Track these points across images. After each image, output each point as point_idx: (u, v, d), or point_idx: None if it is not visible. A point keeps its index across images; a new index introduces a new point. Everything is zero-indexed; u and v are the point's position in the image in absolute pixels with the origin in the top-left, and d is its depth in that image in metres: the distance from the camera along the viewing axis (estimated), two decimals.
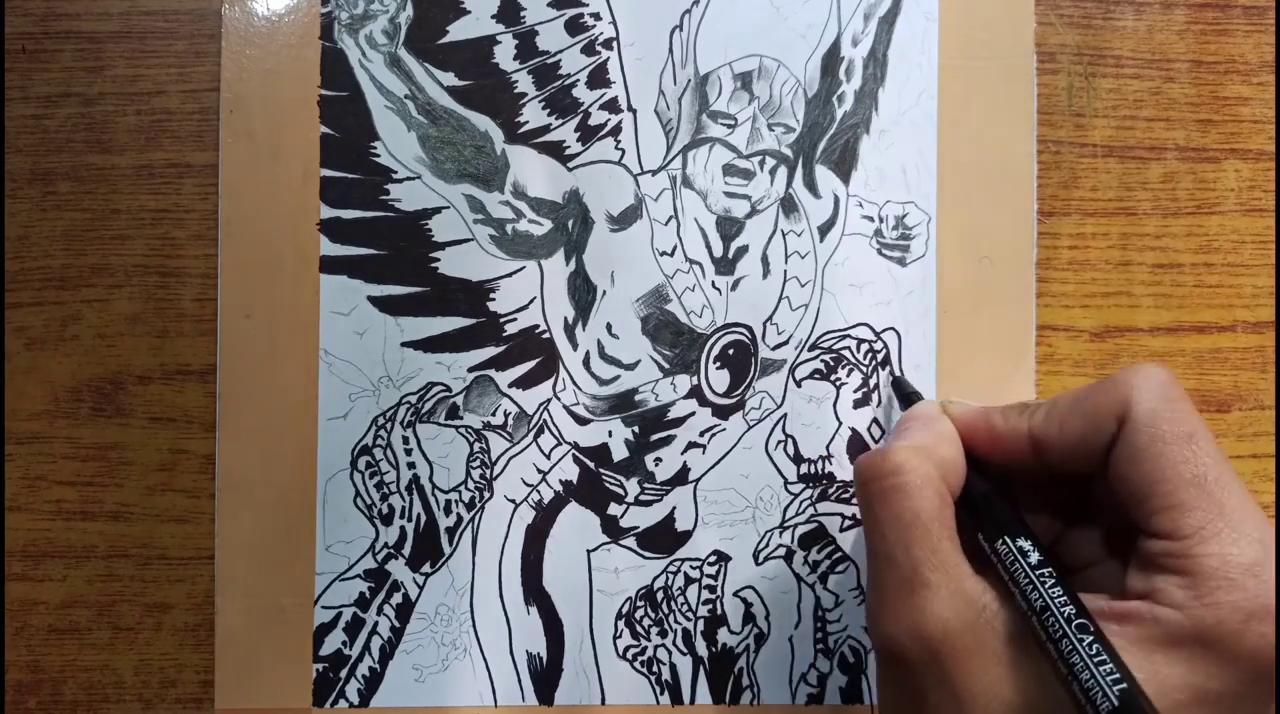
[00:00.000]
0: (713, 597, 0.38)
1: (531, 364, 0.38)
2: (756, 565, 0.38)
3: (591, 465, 0.38)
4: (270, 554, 0.37)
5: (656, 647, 0.38)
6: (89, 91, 0.38)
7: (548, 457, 0.38)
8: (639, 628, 0.38)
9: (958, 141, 0.39)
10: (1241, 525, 0.27)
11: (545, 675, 0.38)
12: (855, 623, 0.38)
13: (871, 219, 0.39)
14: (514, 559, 0.38)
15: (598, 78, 0.38)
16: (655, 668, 0.38)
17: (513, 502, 0.38)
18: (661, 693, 0.38)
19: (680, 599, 0.38)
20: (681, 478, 0.38)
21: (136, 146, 0.38)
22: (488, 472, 0.38)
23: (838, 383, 0.39)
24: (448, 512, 0.38)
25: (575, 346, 0.38)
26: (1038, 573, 0.28)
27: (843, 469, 0.39)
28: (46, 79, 0.38)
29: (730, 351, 0.38)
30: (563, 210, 0.38)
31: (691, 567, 0.38)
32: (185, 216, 0.38)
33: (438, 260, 0.38)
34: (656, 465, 0.38)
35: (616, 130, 0.38)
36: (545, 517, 0.38)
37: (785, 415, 0.38)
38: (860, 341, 0.39)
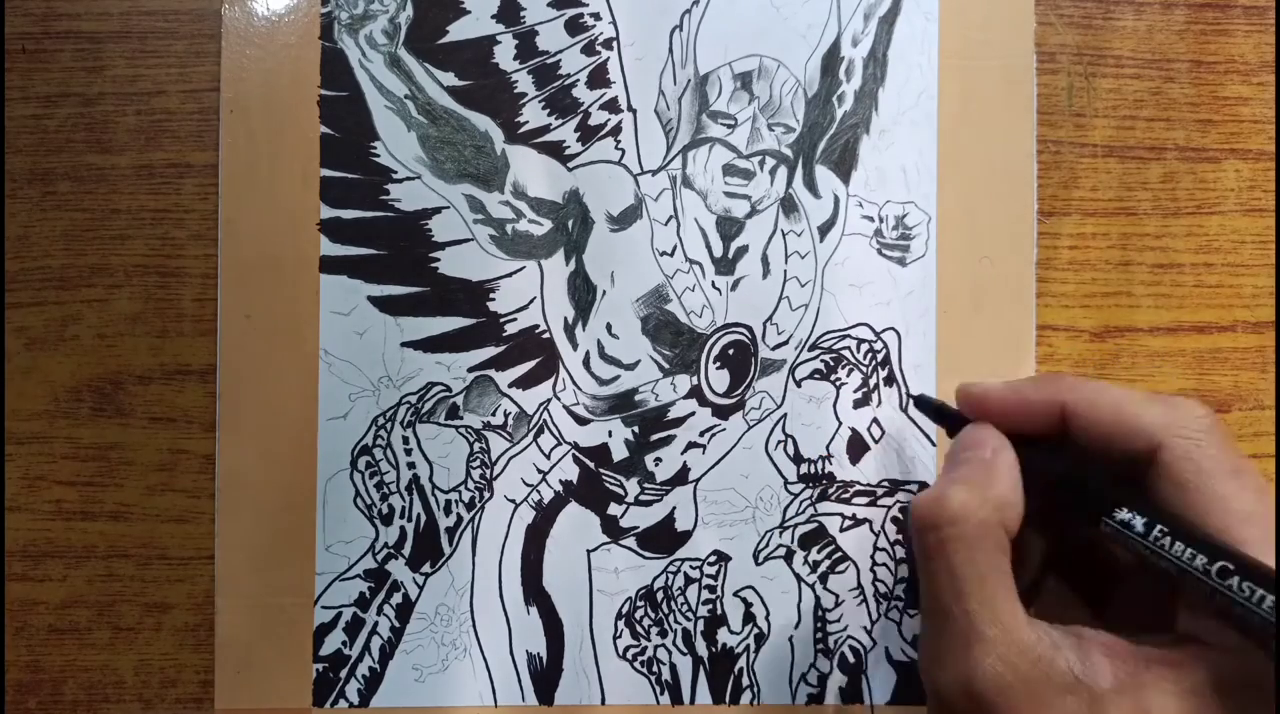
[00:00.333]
0: (713, 597, 0.38)
1: (531, 364, 0.38)
2: (756, 565, 0.38)
3: (591, 465, 0.38)
4: (270, 554, 0.37)
5: (656, 647, 0.38)
6: (89, 91, 0.38)
7: (548, 457, 0.38)
8: (639, 628, 0.38)
9: (958, 141, 0.39)
10: None
11: (545, 675, 0.38)
12: (855, 623, 0.38)
13: (871, 219, 0.39)
14: (514, 559, 0.38)
15: (598, 78, 0.38)
16: (655, 668, 0.38)
17: (513, 502, 0.38)
18: (661, 693, 0.38)
19: (680, 599, 0.38)
20: (681, 478, 0.38)
21: (136, 146, 0.38)
22: (488, 472, 0.38)
23: (838, 383, 0.39)
24: (448, 512, 0.38)
25: (575, 346, 0.38)
26: (1153, 540, 0.27)
27: (843, 469, 0.39)
28: (46, 79, 0.38)
29: (730, 352, 0.38)
30: (563, 210, 0.38)
31: (691, 567, 0.38)
32: (185, 216, 0.38)
33: (438, 260, 0.38)
34: (656, 465, 0.38)
35: (616, 130, 0.38)
36: (545, 517, 0.38)
37: (785, 415, 0.38)
38: (860, 342, 0.39)
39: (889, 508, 0.39)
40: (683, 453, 0.38)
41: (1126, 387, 0.31)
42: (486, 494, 0.38)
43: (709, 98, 0.38)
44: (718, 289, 0.38)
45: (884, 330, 0.39)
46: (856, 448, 0.39)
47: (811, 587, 0.38)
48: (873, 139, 0.39)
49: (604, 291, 0.38)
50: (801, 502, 0.38)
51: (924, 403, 0.36)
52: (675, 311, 0.38)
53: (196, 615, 0.37)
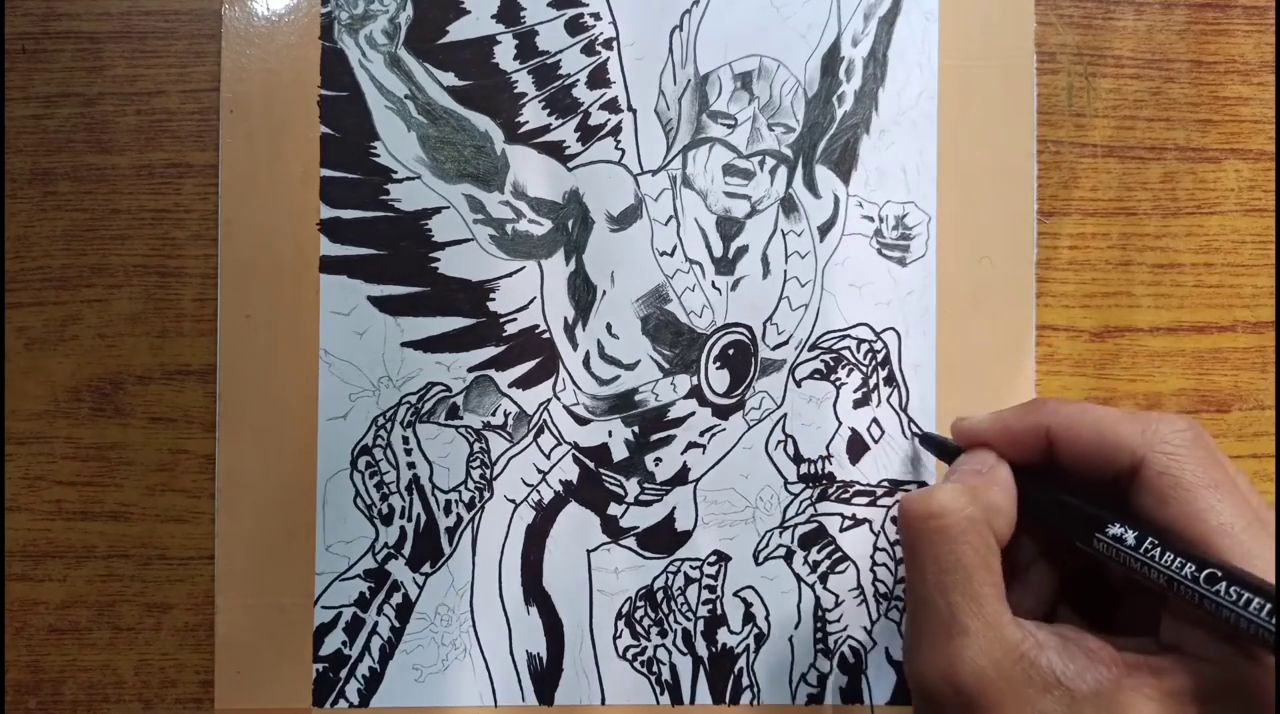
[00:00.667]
0: (713, 597, 0.38)
1: (531, 364, 0.38)
2: (756, 565, 0.38)
3: (591, 465, 0.38)
4: (270, 554, 0.37)
5: (656, 647, 0.38)
6: (89, 91, 0.38)
7: (548, 457, 0.38)
8: (639, 628, 0.38)
9: (958, 141, 0.39)
10: (1273, 576, 0.26)
11: (545, 675, 0.38)
12: (855, 623, 0.38)
13: (871, 219, 0.39)
14: (514, 559, 0.38)
15: (598, 78, 0.38)
16: (655, 668, 0.38)
17: (513, 502, 0.38)
18: (661, 693, 0.38)
19: (680, 599, 0.38)
20: (681, 478, 0.38)
21: (136, 146, 0.38)
22: (488, 472, 0.38)
23: (838, 383, 0.39)
24: (448, 512, 0.38)
25: (575, 346, 0.38)
26: (1144, 551, 0.28)
27: (843, 469, 0.39)
28: (46, 79, 0.38)
29: (730, 352, 0.38)
30: (563, 210, 0.38)
31: (691, 567, 0.38)
32: (185, 216, 0.38)
33: (438, 260, 0.38)
34: (656, 465, 0.38)
35: (616, 130, 0.38)
36: (545, 517, 0.38)
37: (785, 415, 0.38)
38: (860, 342, 0.39)
39: (889, 508, 0.39)
40: (683, 453, 0.38)
41: (1108, 405, 0.32)
42: (486, 494, 0.38)
43: (709, 98, 0.38)
44: (718, 289, 0.38)
45: (884, 330, 0.39)
46: (856, 448, 0.39)
47: (811, 587, 0.38)
48: (873, 139, 0.39)
49: (604, 291, 0.38)
50: (801, 502, 0.38)
51: (928, 440, 0.38)
52: (675, 311, 0.38)
53: (196, 615, 0.37)
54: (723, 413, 0.38)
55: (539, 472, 0.38)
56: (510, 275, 0.38)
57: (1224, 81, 0.40)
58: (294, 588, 0.37)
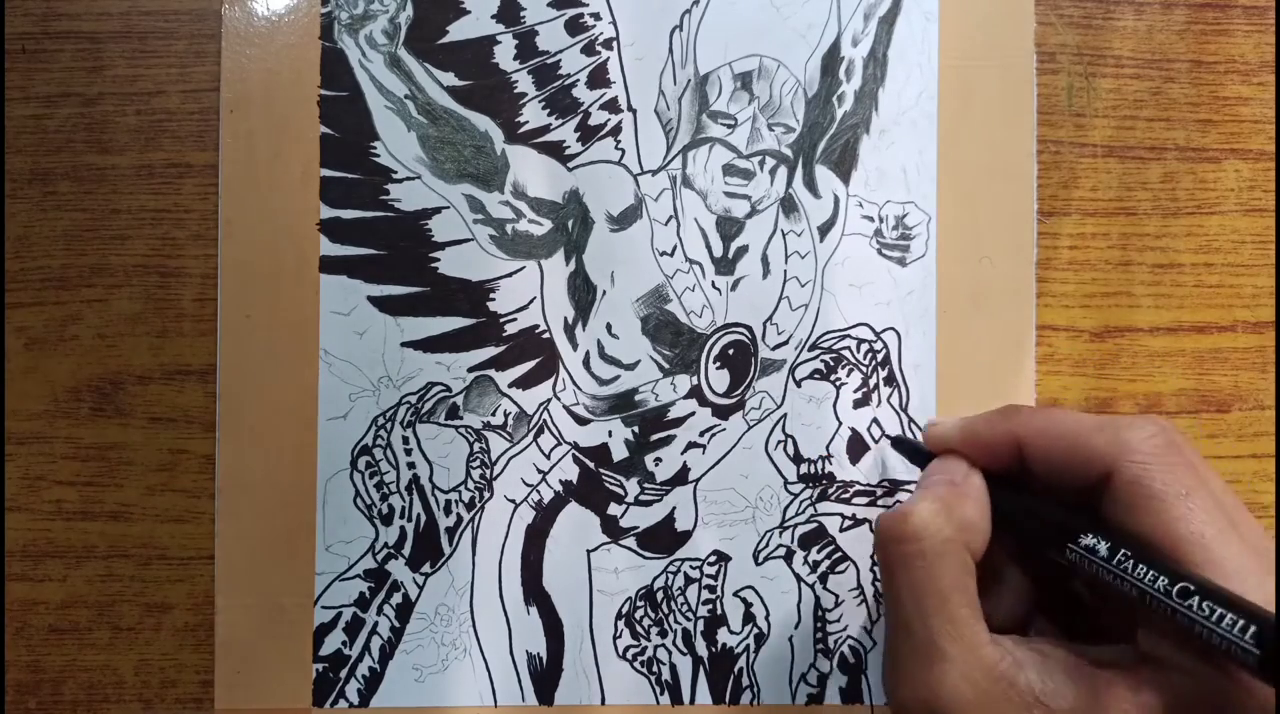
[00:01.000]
0: (713, 597, 0.38)
1: (531, 364, 0.38)
2: (756, 565, 0.38)
3: (591, 465, 0.38)
4: (270, 554, 0.37)
5: (656, 647, 0.38)
6: (89, 91, 0.38)
7: (548, 457, 0.38)
8: (639, 628, 0.38)
9: (958, 141, 0.39)
10: (1245, 583, 0.26)
11: (545, 675, 0.38)
12: (855, 623, 0.38)
13: (871, 219, 0.39)
14: (514, 559, 0.38)
15: (598, 78, 0.38)
16: (655, 668, 0.38)
17: (513, 502, 0.38)
18: (661, 693, 0.38)
19: (680, 599, 0.38)
20: (681, 478, 0.38)
21: (136, 146, 0.38)
22: (488, 472, 0.38)
23: (838, 383, 0.39)
24: (448, 512, 0.38)
25: (575, 346, 0.38)
26: (1116, 564, 0.28)
27: (842, 469, 0.39)
28: (46, 79, 0.38)
29: (730, 352, 0.38)
30: (563, 210, 0.38)
31: (691, 567, 0.38)
32: (185, 216, 0.38)
33: (438, 260, 0.38)
34: (656, 465, 0.38)
35: (616, 130, 0.38)
36: (545, 517, 0.38)
37: (785, 415, 0.38)
38: (860, 341, 0.39)
39: (889, 508, 0.39)
40: (683, 453, 0.38)
41: (1077, 413, 0.31)
42: (486, 494, 0.38)
43: (709, 98, 0.38)
44: (718, 289, 0.38)
45: (884, 330, 0.39)
46: (856, 448, 0.39)
47: (811, 587, 0.38)
48: (873, 139, 0.39)
49: (604, 291, 0.38)
50: (801, 502, 0.38)
51: (899, 443, 0.37)
52: (675, 311, 0.38)
53: (196, 615, 0.37)
54: (723, 413, 0.38)
55: (539, 472, 0.38)
56: (510, 275, 0.38)
57: (1224, 81, 0.40)
58: (294, 588, 0.37)
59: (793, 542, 0.38)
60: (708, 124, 0.38)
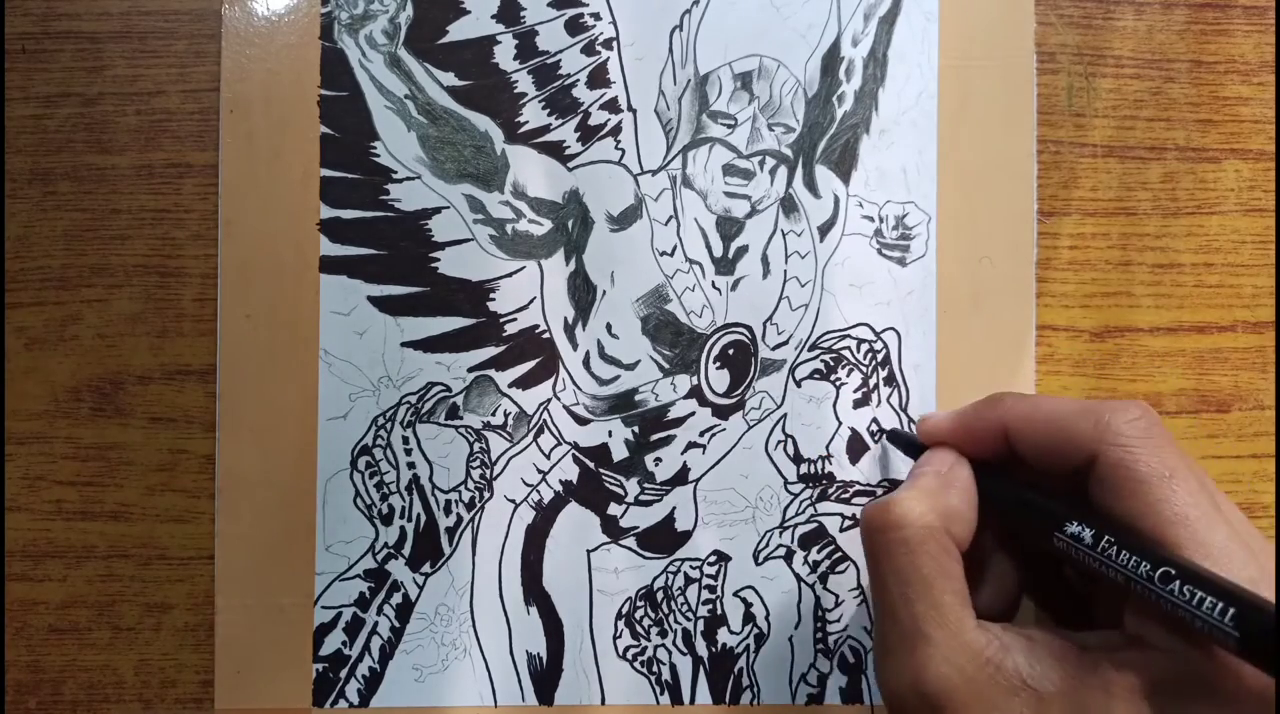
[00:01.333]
0: (713, 597, 0.38)
1: (531, 364, 0.38)
2: (756, 565, 0.38)
3: (591, 465, 0.38)
4: (270, 554, 0.37)
5: (656, 647, 0.38)
6: (89, 91, 0.38)
7: (548, 457, 0.38)
8: (639, 628, 0.38)
9: (958, 141, 0.39)
10: (1230, 563, 0.27)
11: (545, 675, 0.38)
12: (855, 623, 0.38)
13: (871, 219, 0.39)
14: (514, 559, 0.38)
15: (598, 78, 0.38)
16: (655, 668, 0.38)
17: (513, 502, 0.38)
18: (661, 693, 0.38)
19: (680, 599, 0.38)
20: (681, 478, 0.38)
21: (136, 146, 0.38)
22: (488, 472, 0.38)
23: (838, 383, 0.39)
24: (448, 512, 0.38)
25: (575, 346, 0.38)
26: (1101, 550, 0.28)
27: (842, 469, 0.39)
28: (46, 79, 0.38)
29: (730, 352, 0.38)
30: (563, 210, 0.38)
31: (691, 567, 0.38)
32: (185, 216, 0.38)
33: (438, 260, 0.38)
34: (656, 465, 0.38)
35: (616, 130, 0.38)
36: (545, 517, 0.38)
37: (785, 415, 0.38)
38: (860, 342, 0.39)
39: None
40: (683, 453, 0.38)
41: (1061, 397, 0.31)
42: (486, 494, 0.38)
43: (709, 98, 0.38)
44: (718, 289, 0.38)
45: (884, 330, 0.39)
46: (856, 448, 0.39)
47: (811, 587, 0.38)
48: (873, 139, 0.39)
49: (604, 291, 0.38)
50: (801, 502, 0.38)
51: (897, 438, 0.37)
52: (675, 311, 0.38)
53: (196, 615, 0.37)
54: (723, 413, 0.38)
55: (539, 472, 0.38)
56: (510, 275, 0.38)
57: (1224, 81, 0.40)
58: (294, 588, 0.37)
59: (793, 542, 0.38)
60: (708, 124, 0.38)
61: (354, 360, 0.37)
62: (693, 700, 0.38)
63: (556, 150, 0.38)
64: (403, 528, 0.38)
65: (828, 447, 0.39)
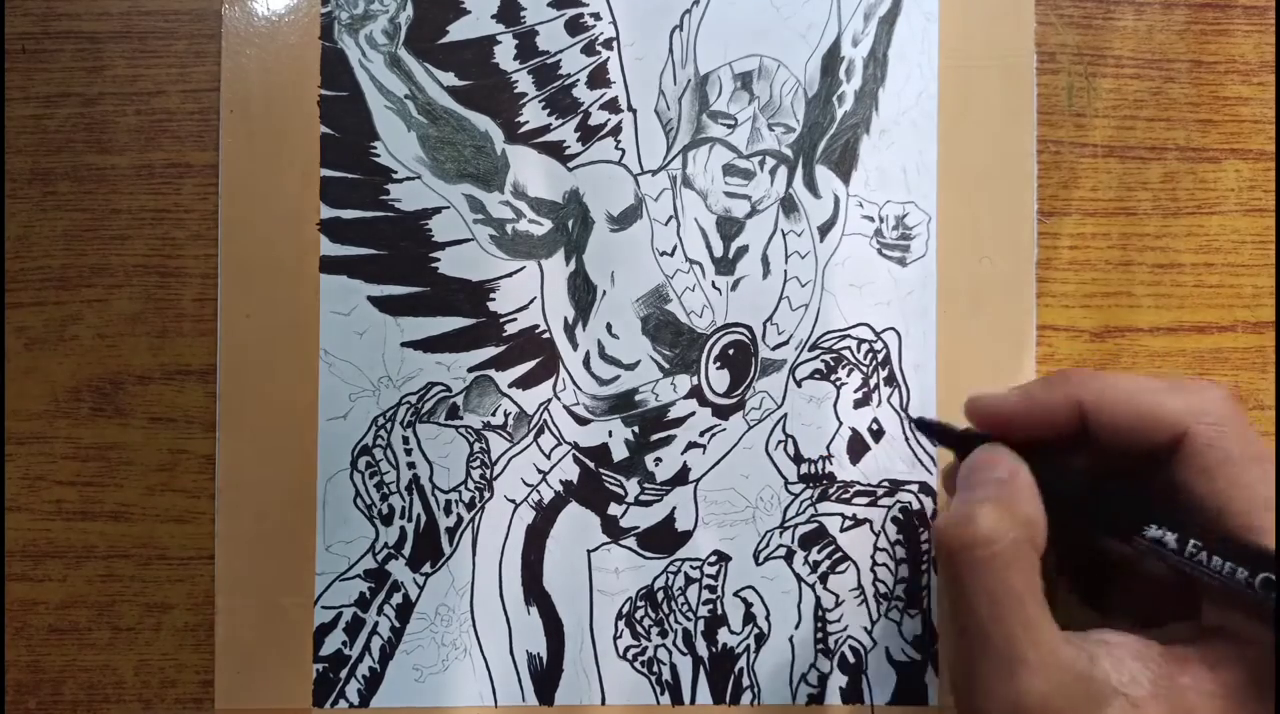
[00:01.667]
0: (713, 597, 0.38)
1: (531, 364, 0.38)
2: (756, 565, 0.38)
3: (591, 465, 0.38)
4: (270, 554, 0.37)
5: (657, 647, 0.38)
6: (89, 91, 0.38)
7: (548, 457, 0.38)
8: (639, 628, 0.38)
9: (958, 141, 0.39)
10: None
11: (545, 675, 0.38)
12: (855, 623, 0.38)
13: (871, 219, 0.39)
14: (514, 559, 0.38)
15: (598, 78, 0.38)
16: (655, 668, 0.38)
17: (513, 502, 0.38)
18: (661, 693, 0.38)
19: (680, 599, 0.38)
20: (681, 478, 0.38)
21: (136, 146, 0.38)
22: (488, 472, 0.38)
23: (838, 383, 0.39)
24: (448, 512, 0.38)
25: (575, 346, 0.38)
26: (1189, 555, 0.27)
27: (843, 469, 0.39)
28: (46, 79, 0.38)
29: (730, 352, 0.38)
30: (563, 210, 0.38)
31: (691, 567, 0.38)
32: (185, 216, 0.38)
33: (438, 260, 0.38)
34: (656, 465, 0.38)
35: (616, 130, 0.38)
36: (545, 517, 0.38)
37: (785, 415, 0.38)
38: (860, 341, 0.39)
39: (889, 508, 0.39)
40: (683, 453, 0.38)
41: (1136, 374, 0.30)
42: (486, 494, 0.38)
43: (709, 98, 0.38)
44: (718, 289, 0.38)
45: (884, 330, 0.39)
46: (856, 448, 0.39)
47: (811, 587, 0.38)
48: (873, 139, 0.39)
49: (604, 291, 0.38)
50: (801, 502, 0.38)
51: (925, 426, 0.35)
52: (675, 311, 0.38)
53: (196, 615, 0.37)
54: (723, 413, 0.38)
55: (539, 472, 0.38)
56: (510, 275, 0.38)
57: (1224, 81, 0.40)
58: (294, 588, 0.37)
59: (793, 542, 0.38)
60: (708, 124, 0.38)
61: (354, 360, 0.37)
62: (693, 700, 0.38)
63: (556, 150, 0.38)
64: (403, 528, 0.38)
65: (828, 447, 0.39)
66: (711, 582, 0.38)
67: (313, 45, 0.37)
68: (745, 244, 0.38)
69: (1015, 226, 0.39)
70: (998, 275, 0.39)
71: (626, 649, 0.38)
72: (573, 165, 0.38)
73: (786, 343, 0.38)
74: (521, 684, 0.38)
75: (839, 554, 0.39)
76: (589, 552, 0.38)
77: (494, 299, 0.38)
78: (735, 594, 0.38)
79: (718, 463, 0.38)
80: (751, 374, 0.38)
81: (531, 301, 0.38)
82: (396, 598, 0.37)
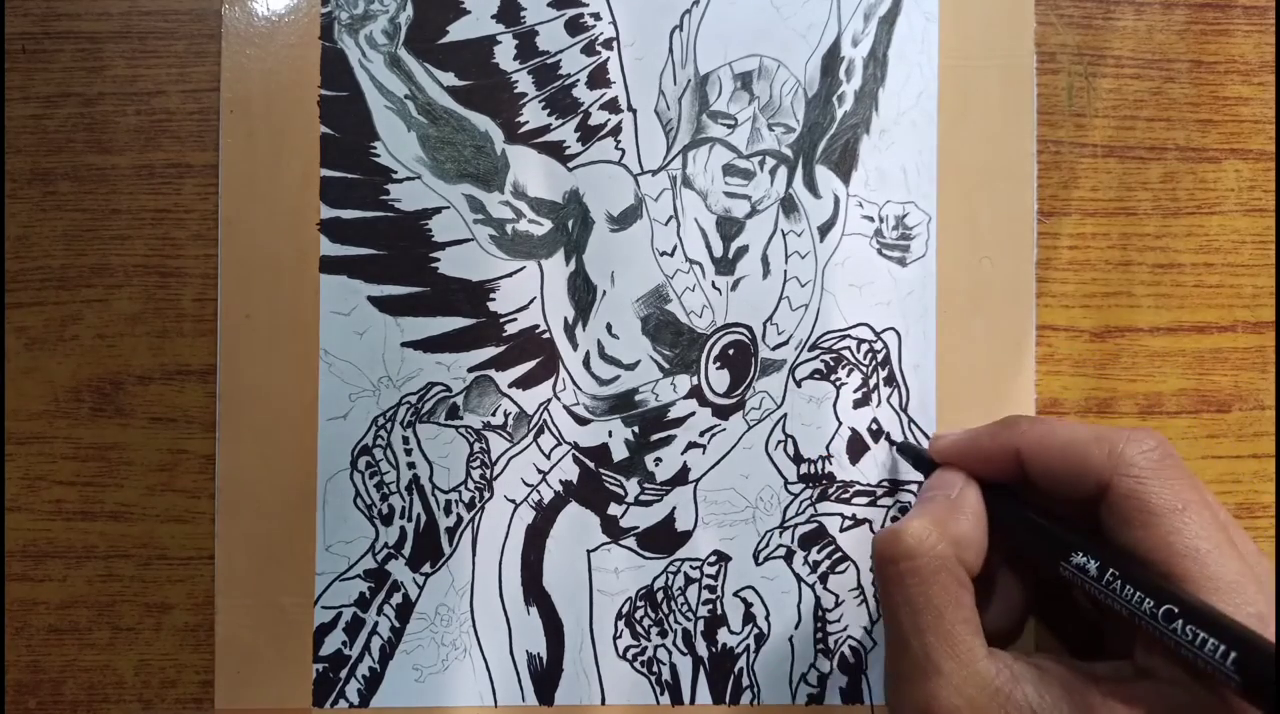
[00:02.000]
0: (713, 597, 0.38)
1: (531, 364, 0.38)
2: (756, 565, 0.38)
3: (591, 465, 0.38)
4: (270, 554, 0.37)
5: (656, 647, 0.38)
6: (89, 91, 0.38)
7: (548, 457, 0.38)
8: (639, 628, 0.38)
9: (958, 141, 0.39)
10: (1238, 597, 0.26)
11: (545, 675, 0.38)
12: (855, 623, 0.38)
13: (871, 219, 0.39)
14: (514, 559, 0.38)
15: (598, 78, 0.38)
16: (655, 668, 0.38)
17: (513, 502, 0.38)
18: (661, 693, 0.38)
19: (680, 599, 0.38)
20: (681, 478, 0.38)
21: (136, 146, 0.38)
22: (488, 472, 0.38)
23: (838, 383, 0.39)
24: (448, 512, 0.38)
25: (575, 346, 0.38)
26: (1105, 583, 0.28)
27: (843, 469, 0.39)
28: (46, 79, 0.38)
29: (730, 352, 0.38)
30: (563, 210, 0.38)
31: (691, 567, 0.38)
32: (185, 216, 0.38)
33: (438, 260, 0.38)
34: (656, 465, 0.38)
35: (616, 130, 0.38)
36: (545, 517, 0.38)
37: (785, 415, 0.38)
38: (860, 342, 0.39)
39: (889, 508, 0.39)
40: (683, 453, 0.38)
41: (1076, 423, 0.31)
42: (486, 494, 0.38)
43: (709, 98, 0.38)
44: (718, 289, 0.38)
45: (884, 330, 0.39)
46: (856, 448, 0.39)
47: (811, 587, 0.38)
48: (873, 139, 0.39)
49: (604, 291, 0.38)
50: (801, 502, 0.38)
51: (905, 450, 0.38)
52: (675, 311, 0.38)
53: (196, 615, 0.37)
54: (723, 413, 0.38)
55: (539, 472, 0.38)
56: (510, 275, 0.38)
57: (1224, 81, 0.40)
58: (294, 588, 0.37)
59: (793, 542, 0.38)
60: (708, 124, 0.38)
61: (354, 360, 0.37)
62: (693, 700, 0.38)
63: (556, 150, 0.38)
64: (403, 528, 0.38)
65: (828, 447, 0.39)
66: (711, 582, 0.38)
67: (313, 45, 0.37)
68: (745, 244, 0.38)
69: (1015, 226, 0.39)
70: (998, 275, 0.39)
71: (626, 649, 0.38)
72: (573, 165, 0.38)
73: (786, 343, 0.38)
74: (521, 684, 0.38)
75: (839, 554, 0.39)
76: (589, 552, 0.38)
77: (494, 299, 0.38)
78: (735, 594, 0.38)
79: (718, 463, 0.38)
80: (751, 374, 0.38)
81: (531, 302, 0.38)
82: (396, 598, 0.37)
